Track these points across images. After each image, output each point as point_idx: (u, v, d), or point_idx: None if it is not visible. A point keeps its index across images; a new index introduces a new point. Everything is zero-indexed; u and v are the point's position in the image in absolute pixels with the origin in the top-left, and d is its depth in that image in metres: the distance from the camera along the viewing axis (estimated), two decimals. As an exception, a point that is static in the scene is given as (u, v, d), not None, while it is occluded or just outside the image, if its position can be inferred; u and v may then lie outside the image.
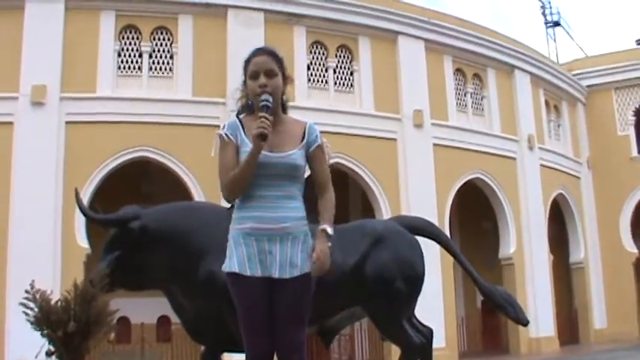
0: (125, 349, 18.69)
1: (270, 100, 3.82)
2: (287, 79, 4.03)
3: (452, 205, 21.12)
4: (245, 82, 3.99)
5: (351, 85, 20.34)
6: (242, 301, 3.80)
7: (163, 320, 19.38)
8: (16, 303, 15.90)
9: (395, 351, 18.31)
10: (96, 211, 6.51)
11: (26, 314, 6.15)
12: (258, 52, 3.98)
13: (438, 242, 7.40)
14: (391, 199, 19.62)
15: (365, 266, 6.39)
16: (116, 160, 17.61)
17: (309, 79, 19.74)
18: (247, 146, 3.80)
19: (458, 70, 22.53)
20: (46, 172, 17.13)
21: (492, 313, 23.62)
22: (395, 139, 20.18)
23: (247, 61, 3.99)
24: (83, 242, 17.11)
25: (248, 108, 4.03)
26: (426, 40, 21.31)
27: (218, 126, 18.05)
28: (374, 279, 6.38)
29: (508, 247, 22.49)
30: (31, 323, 6.21)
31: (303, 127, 3.99)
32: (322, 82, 19.97)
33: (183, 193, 17.11)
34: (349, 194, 22.68)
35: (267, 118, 3.71)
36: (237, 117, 4.03)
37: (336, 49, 20.24)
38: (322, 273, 3.80)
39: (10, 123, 17.40)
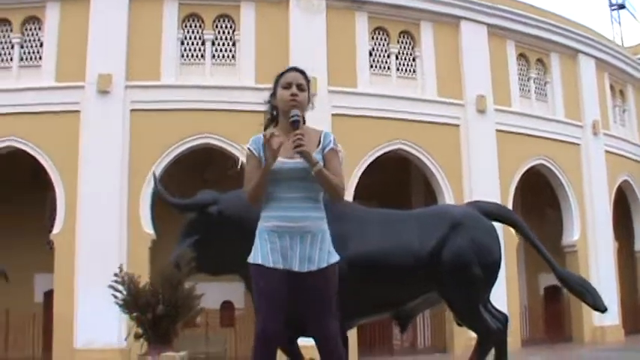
0: (190, 333, 18.90)
1: (299, 114, 4.23)
2: (310, 99, 4.45)
3: (515, 191, 20.87)
4: (273, 94, 4.43)
5: (414, 71, 20.21)
6: (262, 288, 4.17)
7: (227, 305, 19.57)
8: (85, 289, 16.38)
9: (457, 338, 18.32)
10: (172, 195, 6.56)
11: (115, 297, 6.23)
12: (291, 69, 4.46)
13: (515, 228, 7.33)
14: (454, 186, 19.47)
15: (442, 252, 6.37)
16: (180, 147, 17.84)
17: (372, 66, 19.68)
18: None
19: (521, 55, 22.21)
20: (111, 159, 17.46)
21: (555, 300, 23.39)
22: (458, 125, 20.02)
23: (280, 76, 4.43)
24: (148, 228, 17.38)
25: (273, 120, 4.47)
26: (489, 25, 21.05)
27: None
28: (451, 264, 6.35)
29: (572, 234, 22.16)
30: (120, 306, 6.30)
31: (319, 135, 4.38)
32: (384, 68, 19.88)
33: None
34: (411, 180, 22.58)
35: (300, 135, 4.12)
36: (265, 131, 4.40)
37: (398, 34, 20.12)
38: (299, 150, 4.11)
39: (77, 112, 17.78)
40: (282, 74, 4.42)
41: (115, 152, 17.50)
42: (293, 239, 4.16)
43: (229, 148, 17.79)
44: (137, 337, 6.15)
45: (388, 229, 6.41)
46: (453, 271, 6.33)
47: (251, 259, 4.22)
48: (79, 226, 17.23)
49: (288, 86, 4.32)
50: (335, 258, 4.26)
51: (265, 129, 4.43)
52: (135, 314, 6.01)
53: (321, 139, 4.33)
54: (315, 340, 4.20)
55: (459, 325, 6.89)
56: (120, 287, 6.04)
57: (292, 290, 4.13)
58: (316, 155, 4.24)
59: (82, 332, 16.80)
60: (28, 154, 17.90)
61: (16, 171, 19.69)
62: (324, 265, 4.17)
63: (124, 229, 17.29)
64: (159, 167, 17.39)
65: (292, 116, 4.21)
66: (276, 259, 4.14)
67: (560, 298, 22.84)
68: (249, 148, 4.31)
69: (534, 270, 22.58)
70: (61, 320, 16.99)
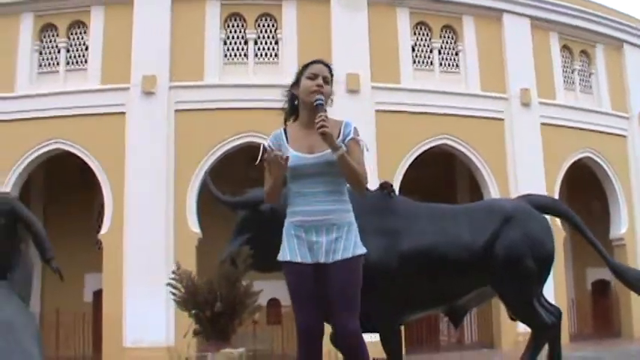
0: (237, 330, 19.02)
1: (323, 99, 4.19)
2: (332, 94, 4.41)
3: (561, 185, 20.65)
4: (296, 83, 4.39)
5: (457, 65, 20.10)
6: (295, 284, 4.21)
7: (273, 303, 19.63)
8: (133, 288, 16.59)
9: (505, 334, 18.21)
10: (223, 193, 6.62)
11: (173, 294, 6.29)
12: (318, 61, 4.42)
13: (567, 221, 7.29)
14: (499, 180, 19.33)
15: (495, 245, 6.35)
16: (224, 146, 17.97)
17: (414, 61, 19.61)
18: (288, 152, 4.21)
19: (565, 47, 21.95)
20: (157, 159, 17.64)
21: (603, 295, 23.10)
22: (502, 119, 19.85)
23: (305, 66, 4.41)
24: (195, 227, 17.53)
25: (292, 111, 4.45)
26: (532, 18, 20.82)
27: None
28: (504, 258, 6.33)
29: (619, 228, 21.85)
30: (178, 304, 6.36)
31: (340, 125, 4.31)
32: (427, 63, 19.80)
33: (291, 177, 17.26)
34: (456, 175, 22.47)
35: (324, 117, 4.08)
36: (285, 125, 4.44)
37: (441, 29, 20.04)
38: (322, 131, 4.05)
39: (123, 113, 18.02)
40: (307, 65, 4.40)
41: (161, 152, 17.69)
42: (319, 233, 4.17)
43: (273, 147, 17.85)
44: (195, 334, 6.21)
45: (440, 224, 6.41)
46: (507, 264, 6.31)
47: (280, 257, 4.27)
48: (127, 226, 17.45)
49: (313, 77, 4.29)
50: (361, 250, 4.23)
51: (285, 121, 4.45)
52: (193, 311, 6.06)
53: (342, 130, 4.28)
54: (336, 335, 4.17)
55: (513, 319, 6.86)
56: (178, 285, 6.10)
57: (322, 284, 4.15)
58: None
59: (131, 331, 17.03)
60: (76, 155, 18.17)
61: (65, 173, 20.02)
62: (349, 255, 4.16)
63: (170, 229, 17.47)
64: (204, 166, 17.55)
65: (316, 99, 4.18)
66: (303, 253, 4.17)
67: (608, 293, 22.56)
68: (268, 146, 4.30)
69: (582, 264, 22.32)
70: (110, 319, 17.23)
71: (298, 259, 4.17)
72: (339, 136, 4.22)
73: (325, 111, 4.16)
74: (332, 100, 4.39)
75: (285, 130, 4.38)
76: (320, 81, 4.26)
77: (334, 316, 4.13)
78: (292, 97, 4.43)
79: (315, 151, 4.19)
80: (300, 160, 4.18)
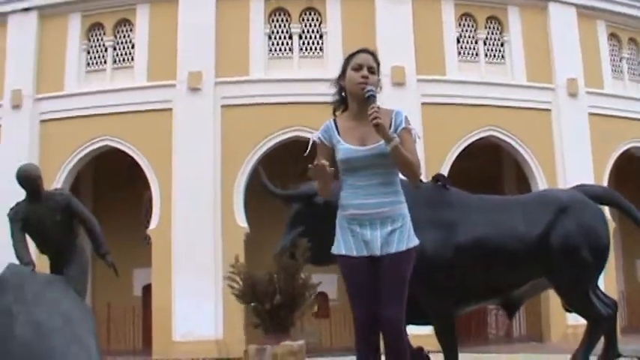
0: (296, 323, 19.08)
1: (374, 89, 4.15)
2: (380, 82, 4.34)
3: (609, 175, 20.36)
4: (343, 74, 4.33)
5: (502, 56, 19.92)
6: (351, 277, 4.21)
7: (321, 297, 19.67)
8: (181, 282, 16.75)
9: (554, 327, 18.01)
10: (275, 186, 6.65)
11: (232, 287, 6.35)
12: (362, 50, 4.34)
13: (622, 211, 7.19)
14: (547, 171, 19.11)
15: (550, 236, 6.30)
16: (271, 141, 18.07)
17: (459, 52, 19.48)
18: (341, 144, 4.21)
19: (612, 35, 21.59)
20: (204, 155, 17.79)
21: (655, 287, 22.75)
22: (549, 110, 19.61)
23: (350, 56, 4.34)
24: (242, 222, 17.63)
25: (341, 103, 4.40)
26: (578, 6, 20.51)
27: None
28: (559, 249, 6.27)
29: (670, 219, 21.45)
30: (237, 297, 6.41)
31: (390, 114, 4.24)
32: (472, 54, 19.67)
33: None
34: (503, 167, 22.28)
35: (377, 108, 4.03)
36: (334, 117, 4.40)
37: (486, 20, 19.87)
38: (376, 123, 4.00)
39: (169, 109, 18.20)
40: (352, 55, 4.33)
41: (207, 148, 17.83)
42: (374, 226, 4.13)
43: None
44: (255, 326, 6.26)
45: (494, 215, 6.38)
46: (562, 255, 6.26)
47: (335, 250, 4.25)
48: (175, 222, 17.63)
49: (359, 68, 4.22)
50: (415, 242, 4.20)
51: (334, 112, 4.41)
52: (252, 304, 6.10)
53: (393, 119, 4.22)
54: (382, 324, 4.13)
55: (568, 311, 6.79)
56: (237, 278, 6.15)
57: (375, 276, 4.14)
58: None
59: (180, 325, 17.20)
60: (124, 152, 18.41)
61: (113, 169, 20.28)
62: (403, 248, 4.13)
63: (217, 224, 17.61)
64: (251, 161, 17.67)
65: (368, 91, 4.12)
66: (359, 247, 4.14)
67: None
68: (318, 137, 4.29)
69: (631, 256, 22.03)
70: (159, 313, 17.44)
71: (354, 253, 4.15)
72: (390, 126, 4.16)
73: (375, 99, 4.11)
74: (380, 88, 4.32)
75: (334, 122, 4.34)
76: (365, 72, 4.20)
77: (382, 305, 4.10)
78: (340, 89, 4.38)
79: (367, 142, 4.15)
80: (353, 152, 4.16)
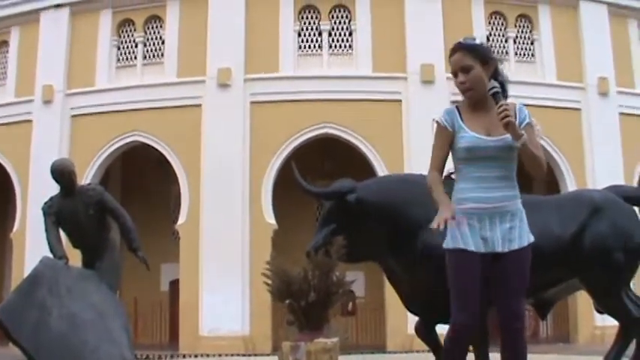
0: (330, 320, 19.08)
1: (498, 85, 3.94)
2: (490, 63, 4.08)
3: (640, 176, 20.19)
4: None
5: (532, 54, 19.82)
6: (462, 274, 4.01)
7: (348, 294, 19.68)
8: (209, 278, 16.81)
9: (581, 328, 17.89)
10: (308, 183, 6.63)
11: (267, 284, 6.36)
12: (452, 51, 4.10)
13: (656, 212, 7.09)
14: (576, 171, 18.99)
15: (583, 237, 6.24)
16: (299, 137, 18.08)
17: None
18: (465, 132, 4.04)
19: (644, 34, 21.42)
20: (233, 151, 17.86)
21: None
22: (579, 109, 19.49)
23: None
24: (270, 219, 17.68)
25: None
26: (609, 4, 20.34)
27: (399, 101, 18.03)
28: (592, 250, 6.21)
29: None
30: (272, 294, 6.42)
31: (513, 109, 4.04)
32: (502, 52, 19.52)
33: (367, 169, 17.13)
34: (531, 167, 22.10)
35: (505, 106, 3.85)
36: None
37: (516, 18, 19.77)
38: (507, 121, 3.84)
39: (199, 105, 18.30)
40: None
41: (236, 144, 17.90)
42: (493, 221, 4.00)
43: (349, 137, 17.90)
44: (289, 324, 6.28)
45: (527, 215, 6.32)
46: (595, 256, 6.20)
47: (449, 244, 4.04)
48: (203, 217, 17.72)
49: (455, 75, 4.05)
50: (532, 238, 4.09)
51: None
52: (287, 302, 6.12)
53: (517, 115, 4.04)
54: (502, 318, 4.01)
55: (600, 312, 6.73)
56: (272, 275, 6.17)
57: (489, 269, 4.01)
58: None
59: (207, 320, 17.30)
60: (153, 147, 18.53)
61: (142, 164, 20.42)
62: (525, 243, 4.03)
63: (246, 220, 17.67)
64: (280, 157, 17.73)
65: (491, 89, 3.95)
66: (477, 242, 3.98)
67: None
68: (440, 119, 4.10)
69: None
70: (186, 308, 17.56)
71: (472, 248, 3.97)
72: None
73: (500, 95, 3.94)
74: (502, 72, 4.12)
75: (457, 108, 4.15)
76: (461, 78, 4.01)
77: (503, 301, 4.01)
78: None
79: (492, 133, 4.01)
80: (479, 142, 4.02)
